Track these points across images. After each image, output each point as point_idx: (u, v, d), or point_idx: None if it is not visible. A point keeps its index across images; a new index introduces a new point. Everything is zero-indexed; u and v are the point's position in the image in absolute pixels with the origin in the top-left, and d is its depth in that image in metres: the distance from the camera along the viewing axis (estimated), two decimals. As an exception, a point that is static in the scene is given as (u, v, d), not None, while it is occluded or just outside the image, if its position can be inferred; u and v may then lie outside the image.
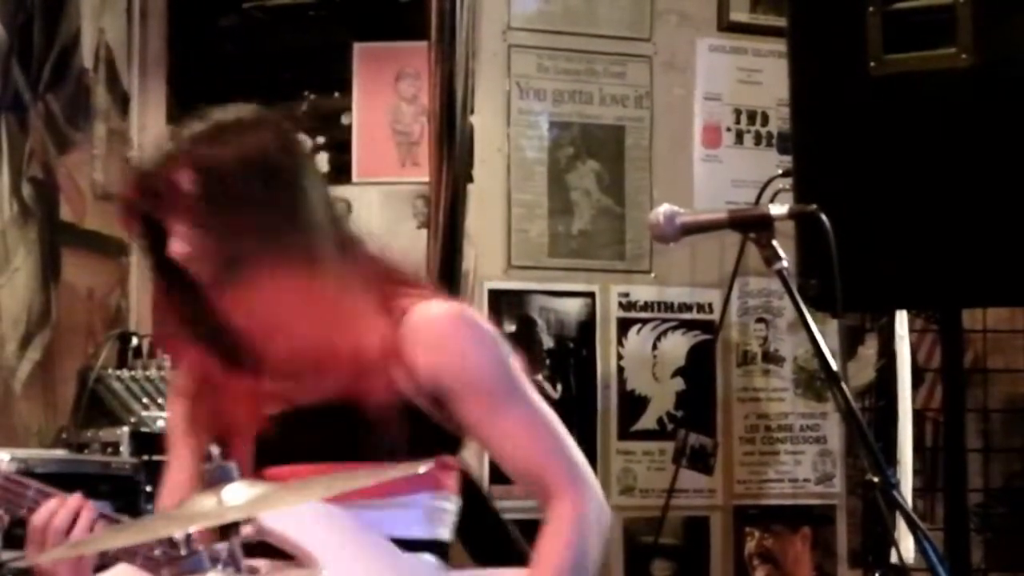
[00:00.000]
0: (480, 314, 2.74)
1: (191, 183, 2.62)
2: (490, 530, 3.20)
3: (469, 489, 2.92)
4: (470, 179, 4.94)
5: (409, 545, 2.63)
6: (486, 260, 5.26)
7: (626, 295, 5.42)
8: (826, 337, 2.69)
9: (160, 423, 4.27)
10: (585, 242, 5.40)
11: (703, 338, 5.47)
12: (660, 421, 5.42)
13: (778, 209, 2.74)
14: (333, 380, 2.59)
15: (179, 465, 2.76)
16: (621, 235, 5.43)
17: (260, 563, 2.57)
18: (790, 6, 4.13)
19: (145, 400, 4.35)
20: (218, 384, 2.68)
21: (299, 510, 2.54)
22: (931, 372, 5.52)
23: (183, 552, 2.30)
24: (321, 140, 5.53)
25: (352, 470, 2.45)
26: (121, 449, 4.22)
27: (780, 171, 4.93)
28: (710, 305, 5.48)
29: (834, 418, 5.49)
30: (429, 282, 2.80)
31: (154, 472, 4.10)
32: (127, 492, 4.00)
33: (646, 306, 5.44)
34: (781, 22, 4.50)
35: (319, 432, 2.62)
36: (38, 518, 2.57)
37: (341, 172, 5.41)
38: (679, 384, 5.44)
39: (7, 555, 3.52)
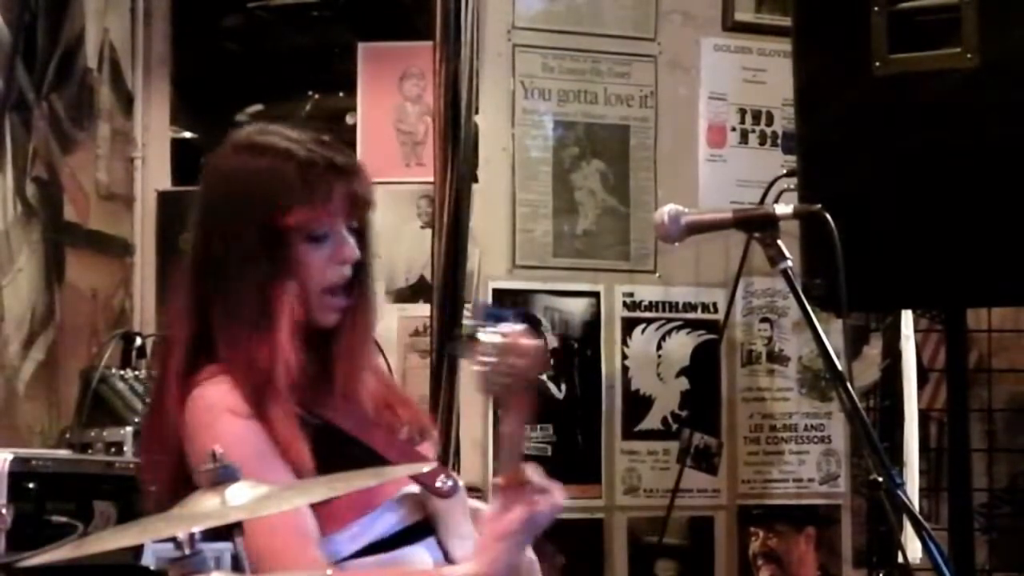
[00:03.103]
0: None
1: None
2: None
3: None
4: (475, 179, 4.93)
5: None
6: (490, 260, 5.25)
7: (631, 295, 5.42)
8: (830, 337, 2.69)
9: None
10: (590, 242, 5.40)
11: (708, 338, 5.46)
12: (664, 421, 5.41)
13: (783, 209, 2.74)
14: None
15: None
16: (626, 235, 5.42)
17: None
18: (795, 6, 4.13)
19: (149, 400, 4.33)
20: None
21: None
22: (935, 372, 5.51)
23: (187, 551, 2.29)
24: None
25: None
26: (124, 449, 4.21)
27: (785, 171, 4.93)
28: (714, 305, 5.48)
29: (839, 418, 5.48)
30: None
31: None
32: (130, 492, 3.99)
33: (651, 306, 5.44)
34: (786, 21, 4.50)
35: None
36: None
37: (345, 172, 5.39)
38: (683, 384, 5.44)
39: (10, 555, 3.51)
